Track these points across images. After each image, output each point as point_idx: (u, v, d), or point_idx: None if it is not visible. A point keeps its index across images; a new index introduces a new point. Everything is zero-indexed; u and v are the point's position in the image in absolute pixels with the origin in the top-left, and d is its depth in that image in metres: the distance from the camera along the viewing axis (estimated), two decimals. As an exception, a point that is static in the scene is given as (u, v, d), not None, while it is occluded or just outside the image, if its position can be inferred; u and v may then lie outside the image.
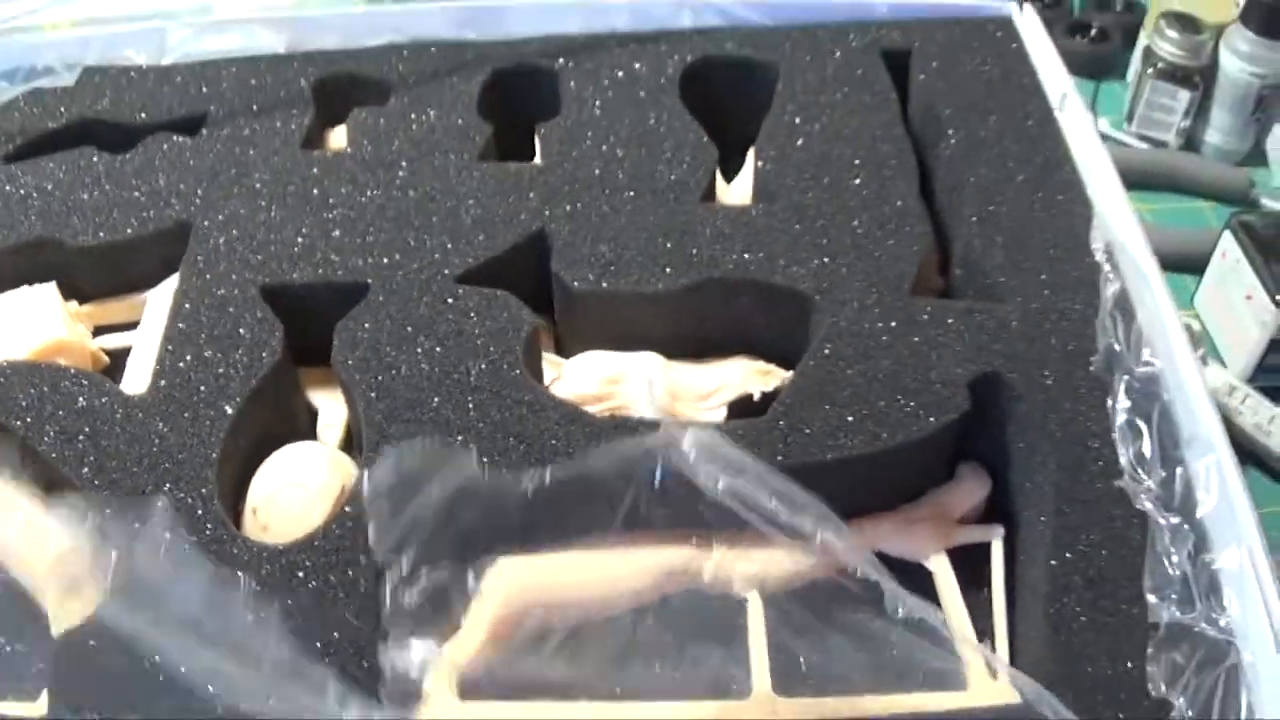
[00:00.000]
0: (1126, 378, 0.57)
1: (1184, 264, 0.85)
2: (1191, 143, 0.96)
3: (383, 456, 0.52)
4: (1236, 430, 0.74)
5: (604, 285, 0.62)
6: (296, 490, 0.57)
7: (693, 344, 0.64)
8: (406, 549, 0.51)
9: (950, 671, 0.53)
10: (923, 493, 0.60)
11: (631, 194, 0.66)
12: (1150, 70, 0.93)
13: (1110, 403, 0.57)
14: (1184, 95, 0.93)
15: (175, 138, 0.70)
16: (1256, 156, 0.94)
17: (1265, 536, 0.52)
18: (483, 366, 0.58)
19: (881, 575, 0.50)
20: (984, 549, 0.60)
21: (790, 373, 0.60)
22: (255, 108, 0.72)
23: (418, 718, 0.50)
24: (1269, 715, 0.49)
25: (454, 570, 0.52)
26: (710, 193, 0.68)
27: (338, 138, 0.73)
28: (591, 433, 0.56)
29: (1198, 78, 0.92)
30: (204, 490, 0.55)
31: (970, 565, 0.60)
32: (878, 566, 0.50)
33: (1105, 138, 0.95)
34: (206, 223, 0.65)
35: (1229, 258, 0.78)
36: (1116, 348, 0.58)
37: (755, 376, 0.62)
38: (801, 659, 0.54)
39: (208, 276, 0.63)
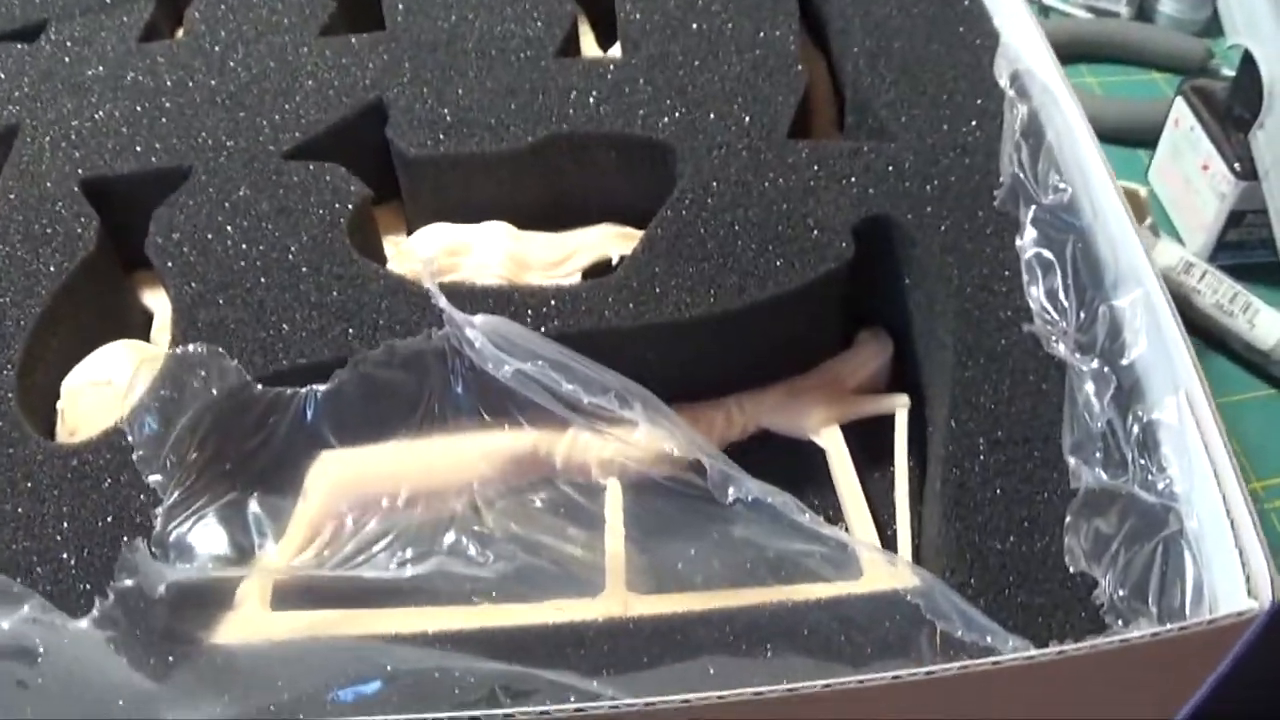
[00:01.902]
0: (1034, 208, 0.41)
1: (1136, 136, 0.69)
2: (1145, 13, 0.79)
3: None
4: (1196, 312, 0.58)
5: (441, 150, 0.46)
6: (103, 389, 0.43)
7: (550, 212, 0.47)
8: (173, 472, 0.37)
9: (844, 566, 0.38)
10: (814, 362, 0.44)
11: (477, 56, 0.50)
12: (1097, -63, 0.77)
13: (1018, 239, 0.41)
14: (1132, -37, 0.76)
15: (14, 46, 0.55)
16: (1216, 27, 0.75)
17: (1207, 384, 0.36)
18: (304, 241, 0.43)
19: (709, 457, 0.35)
20: (892, 424, 0.44)
21: (655, 233, 0.44)
22: (95, 7, 0.56)
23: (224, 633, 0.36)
24: (1219, 589, 0.33)
25: (233, 499, 0.38)
26: (567, 52, 0.52)
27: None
28: (417, 302, 0.41)
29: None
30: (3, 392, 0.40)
31: (878, 445, 0.44)
32: (704, 447, 0.35)
33: (1052, 10, 0.80)
34: (33, 122, 0.50)
35: (1182, 126, 0.62)
36: (1021, 176, 0.41)
37: (614, 240, 0.46)
38: (664, 554, 0.38)
39: (29, 175, 0.48)
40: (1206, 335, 0.59)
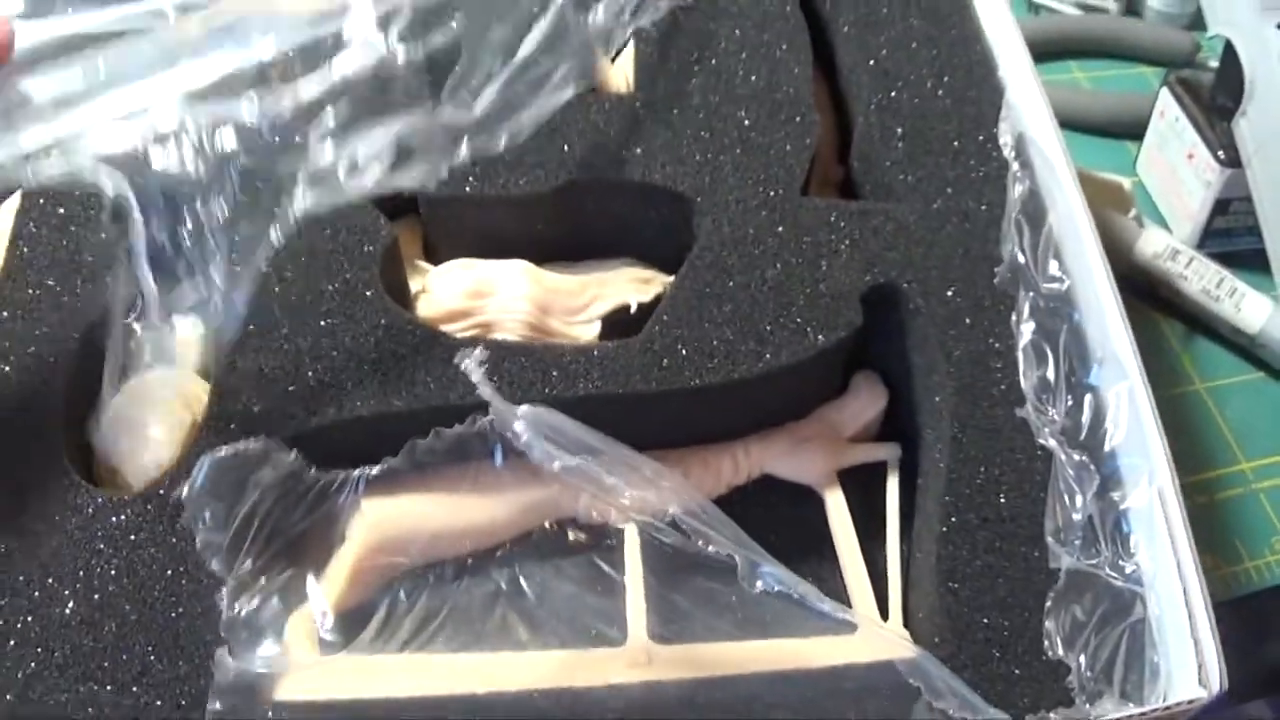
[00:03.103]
0: (1032, 294, 0.44)
1: (1125, 129, 0.71)
2: (1133, 7, 0.80)
3: (199, 464, 0.39)
4: (1183, 298, 0.62)
5: (466, 190, 0.47)
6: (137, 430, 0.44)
7: (571, 247, 0.50)
8: (236, 556, 0.40)
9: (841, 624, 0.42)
10: (814, 408, 0.48)
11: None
12: (1084, -67, 0.77)
13: (1014, 320, 0.44)
14: (1120, -43, 0.77)
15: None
16: (1203, 19, 0.76)
17: (1176, 475, 0.41)
18: (336, 285, 0.45)
19: (740, 547, 0.39)
20: (883, 468, 0.48)
21: (672, 278, 0.47)
22: None
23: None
24: (1175, 676, 0.38)
25: (292, 576, 0.41)
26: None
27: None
28: (447, 355, 0.43)
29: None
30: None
31: (869, 485, 0.48)
32: (740, 537, 0.39)
33: (1041, 7, 0.81)
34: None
35: (1168, 117, 0.65)
36: (1021, 259, 0.45)
37: (633, 285, 0.48)
38: (682, 603, 0.43)
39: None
40: (1194, 320, 0.62)
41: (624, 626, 0.42)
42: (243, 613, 0.38)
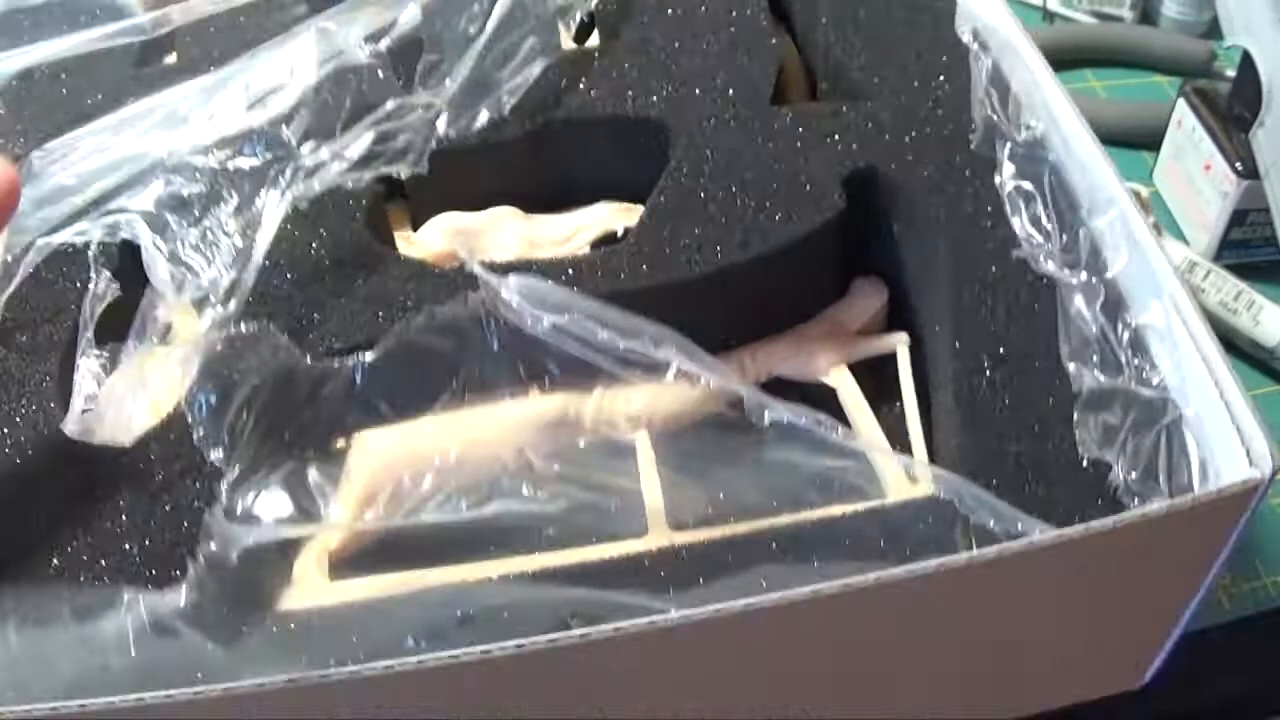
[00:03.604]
0: (1009, 145, 0.44)
1: (1141, 138, 0.71)
2: (1148, 16, 0.81)
3: (191, 351, 0.40)
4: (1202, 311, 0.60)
5: (444, 145, 0.48)
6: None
7: (551, 196, 0.51)
8: (234, 449, 0.39)
9: (868, 484, 0.40)
10: (816, 311, 0.47)
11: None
12: (1097, -59, 0.79)
13: (997, 177, 0.44)
14: (1134, -34, 0.78)
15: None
16: (1219, 28, 0.74)
17: (1188, 286, 0.40)
18: (324, 237, 0.46)
19: (741, 384, 0.37)
20: (894, 362, 0.47)
21: (655, 207, 0.47)
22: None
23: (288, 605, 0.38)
24: (1223, 465, 0.36)
25: (292, 469, 0.40)
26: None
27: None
28: (440, 284, 0.44)
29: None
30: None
31: (881, 380, 0.47)
32: (735, 379, 0.38)
33: (1055, 15, 0.82)
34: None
35: (1185, 127, 0.65)
36: (994, 118, 0.45)
37: (617, 215, 0.49)
38: (700, 494, 0.41)
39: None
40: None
41: (645, 530, 0.41)
42: (239, 506, 0.37)
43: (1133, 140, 0.71)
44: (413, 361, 0.41)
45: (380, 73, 0.47)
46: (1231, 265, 0.62)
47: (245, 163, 0.45)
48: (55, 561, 0.38)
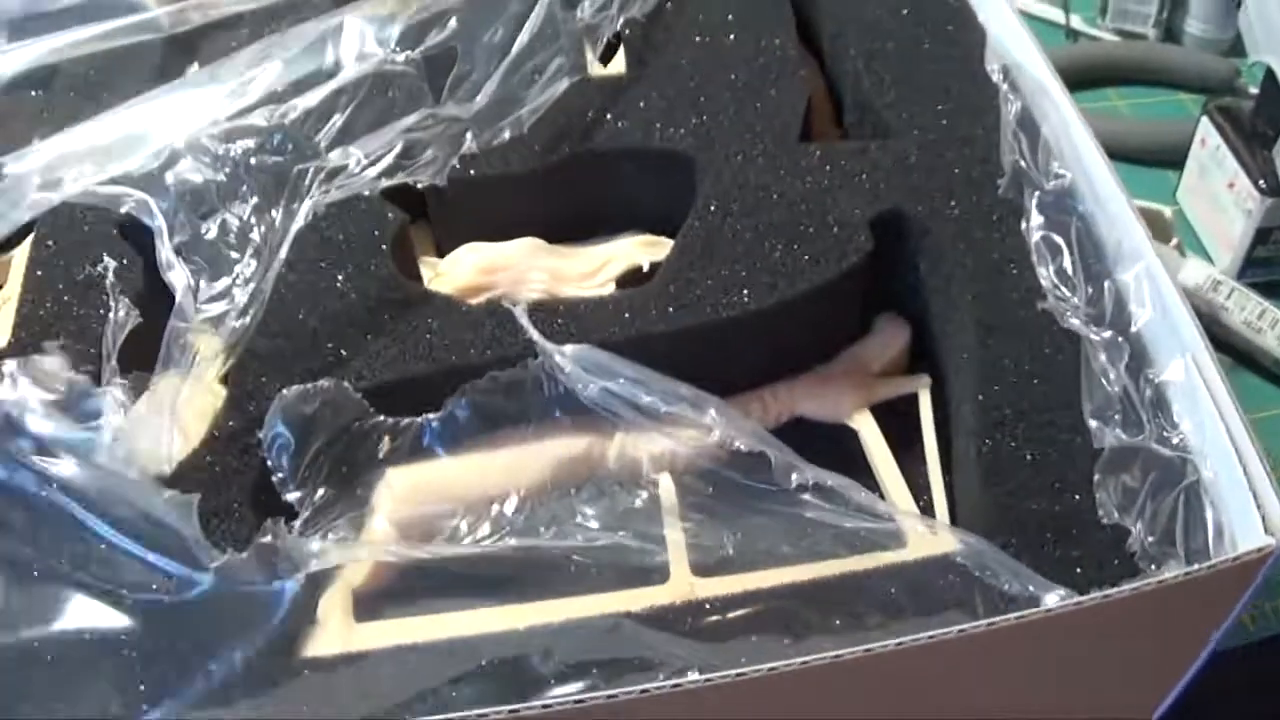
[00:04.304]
0: (1037, 194, 0.45)
1: (1165, 157, 0.71)
2: (1172, 33, 0.81)
3: (275, 401, 0.41)
4: (1225, 329, 0.61)
5: (471, 172, 0.49)
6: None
7: (576, 226, 0.51)
8: (309, 493, 0.40)
9: (889, 536, 0.41)
10: (838, 350, 0.48)
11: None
12: (1119, -42, 0.79)
13: (1024, 224, 0.45)
14: (1156, -18, 0.78)
15: (29, 93, 0.57)
16: (1243, 46, 0.76)
17: (1210, 343, 0.40)
18: (350, 270, 0.46)
19: (770, 445, 0.38)
20: (915, 404, 0.48)
21: (681, 240, 0.48)
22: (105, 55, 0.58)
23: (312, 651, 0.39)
24: (1239, 531, 0.37)
25: (358, 516, 0.41)
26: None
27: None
28: (469, 320, 0.44)
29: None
30: None
31: (902, 422, 0.48)
32: (766, 438, 0.39)
33: (1079, 34, 0.82)
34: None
35: (1209, 145, 0.65)
36: (1023, 164, 0.45)
37: (642, 248, 0.50)
38: (723, 538, 0.42)
39: (65, 223, 0.50)
40: (1235, 352, 0.62)
41: (667, 572, 0.42)
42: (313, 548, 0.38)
43: (1157, 158, 0.72)
44: (480, 421, 0.42)
45: (413, 81, 0.48)
46: (1256, 283, 0.62)
47: (268, 158, 0.46)
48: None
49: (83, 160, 0.45)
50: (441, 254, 0.52)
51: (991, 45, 0.50)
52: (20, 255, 0.53)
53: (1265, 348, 0.60)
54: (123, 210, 0.44)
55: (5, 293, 0.52)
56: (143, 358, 0.47)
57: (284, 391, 0.40)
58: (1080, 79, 0.77)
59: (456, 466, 0.43)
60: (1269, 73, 0.60)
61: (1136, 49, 0.80)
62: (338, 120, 0.45)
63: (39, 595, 0.37)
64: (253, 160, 0.45)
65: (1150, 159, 0.72)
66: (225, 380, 0.45)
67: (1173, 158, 0.70)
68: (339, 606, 0.41)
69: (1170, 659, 0.40)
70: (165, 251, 0.44)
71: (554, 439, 0.43)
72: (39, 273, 0.49)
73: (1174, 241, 0.62)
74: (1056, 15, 0.83)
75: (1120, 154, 0.72)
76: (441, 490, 0.43)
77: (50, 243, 0.49)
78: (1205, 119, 0.65)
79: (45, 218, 0.50)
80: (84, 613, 0.37)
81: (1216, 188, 0.65)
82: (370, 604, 0.41)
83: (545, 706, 0.33)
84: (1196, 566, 0.36)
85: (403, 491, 0.43)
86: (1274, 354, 0.60)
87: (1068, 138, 0.46)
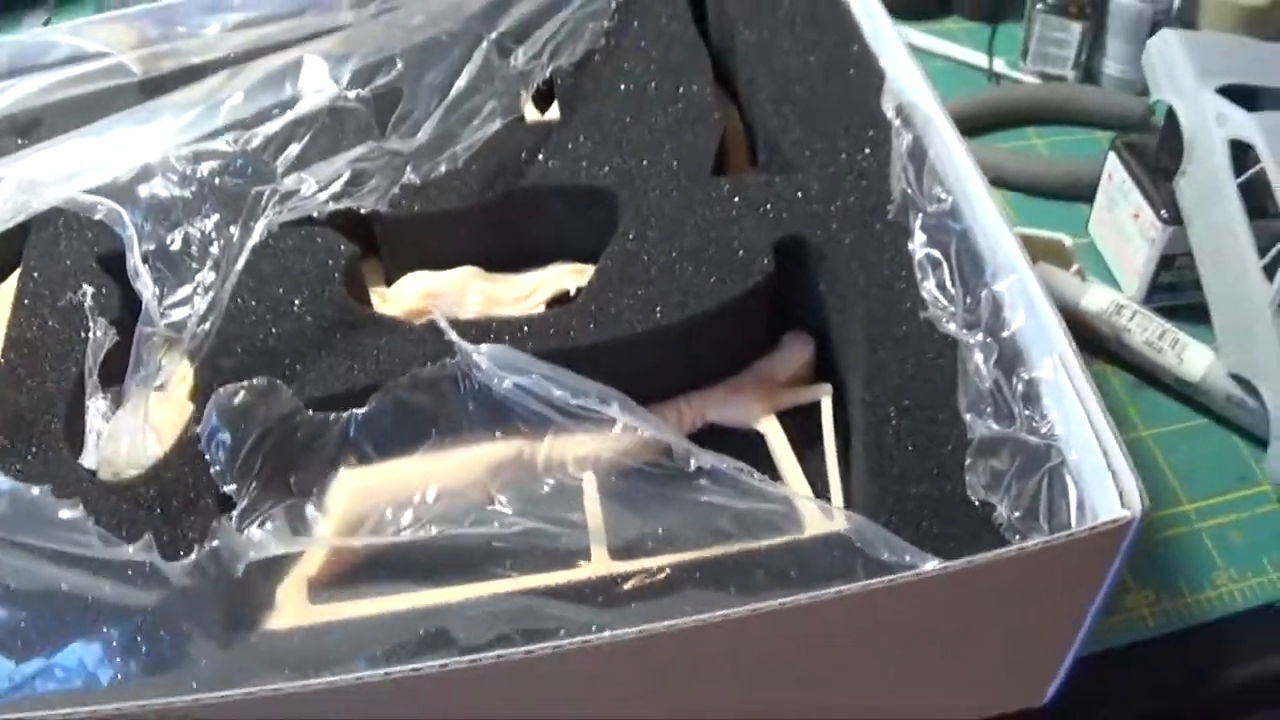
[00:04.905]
0: (921, 215, 0.50)
1: (1079, 192, 0.76)
2: (1091, 74, 0.86)
3: (211, 399, 0.46)
4: (1128, 350, 0.65)
5: (416, 208, 0.55)
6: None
7: (511, 256, 0.57)
8: (245, 485, 0.45)
9: (789, 521, 0.46)
10: (748, 362, 0.53)
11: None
12: (1040, 5, 0.83)
13: (909, 244, 0.50)
14: (1075, 28, 0.83)
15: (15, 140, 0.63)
16: None
17: (1075, 344, 0.45)
18: (305, 295, 0.51)
19: (673, 436, 0.43)
20: (819, 411, 0.53)
21: (605, 267, 0.53)
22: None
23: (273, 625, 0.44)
24: (1099, 506, 0.42)
25: (292, 505, 0.46)
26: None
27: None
28: (411, 338, 0.49)
29: (1089, 9, 0.82)
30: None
31: (807, 426, 0.53)
32: (664, 428, 0.44)
33: (1001, 77, 0.87)
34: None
35: (1115, 179, 0.70)
36: (910, 191, 0.51)
37: (569, 275, 0.55)
38: (637, 529, 0.47)
39: (49, 256, 0.55)
40: (1139, 371, 0.65)
41: (588, 555, 0.46)
42: (245, 532, 0.43)
43: (1073, 193, 0.76)
44: (400, 416, 0.47)
45: (362, 117, 0.54)
46: (1162, 308, 0.66)
47: (230, 180, 0.51)
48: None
49: (61, 174, 0.51)
50: (389, 284, 0.57)
51: (889, 86, 0.56)
52: (8, 288, 0.59)
53: (1166, 365, 0.64)
54: (97, 217, 0.49)
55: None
56: (121, 374, 0.52)
57: (219, 390, 0.45)
58: (1002, 120, 0.82)
59: (402, 467, 0.48)
60: (1170, 110, 0.64)
61: (1057, 90, 0.85)
62: (294, 149, 0.51)
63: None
64: (216, 180, 0.51)
65: (1067, 194, 0.77)
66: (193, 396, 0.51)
67: (1087, 193, 0.74)
68: (295, 591, 0.46)
69: (1052, 633, 0.45)
70: (134, 259, 0.49)
71: (491, 444, 0.48)
72: (26, 301, 0.54)
73: (1074, 268, 0.66)
74: (981, 59, 0.88)
75: (1038, 190, 0.77)
76: (388, 488, 0.47)
77: (36, 274, 0.54)
78: (1112, 155, 0.70)
79: (31, 253, 0.56)
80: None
81: (1123, 219, 0.69)
82: (324, 589, 0.46)
83: (472, 661, 0.37)
84: (1055, 536, 0.41)
85: (353, 489, 0.47)
86: (1174, 372, 0.64)
87: (951, 164, 0.51)
